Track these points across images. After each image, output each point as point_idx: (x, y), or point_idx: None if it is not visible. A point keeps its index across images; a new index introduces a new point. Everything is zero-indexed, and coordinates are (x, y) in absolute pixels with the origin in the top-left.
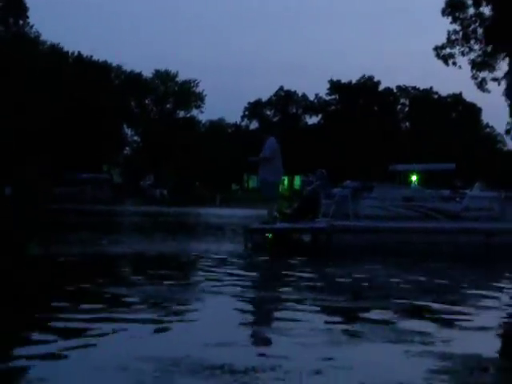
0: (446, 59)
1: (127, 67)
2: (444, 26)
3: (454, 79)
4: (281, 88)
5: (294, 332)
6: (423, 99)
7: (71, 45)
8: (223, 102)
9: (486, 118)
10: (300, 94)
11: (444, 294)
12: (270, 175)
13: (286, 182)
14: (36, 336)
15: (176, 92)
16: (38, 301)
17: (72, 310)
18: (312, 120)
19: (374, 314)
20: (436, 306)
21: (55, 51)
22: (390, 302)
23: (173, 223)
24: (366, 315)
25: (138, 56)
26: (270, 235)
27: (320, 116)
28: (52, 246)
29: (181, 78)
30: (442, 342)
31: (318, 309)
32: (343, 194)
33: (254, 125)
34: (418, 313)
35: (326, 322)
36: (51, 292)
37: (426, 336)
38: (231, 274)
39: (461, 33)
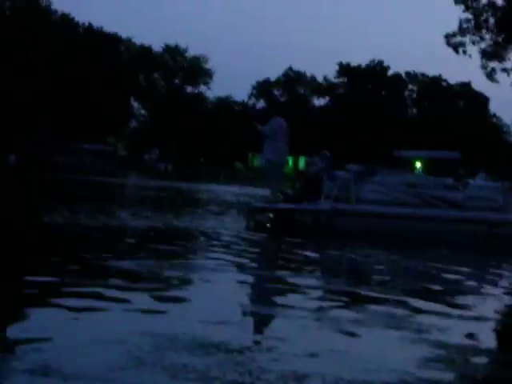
0: (456, 47)
1: (137, 40)
2: (456, 14)
3: (463, 68)
4: (290, 68)
5: (291, 314)
6: (431, 86)
7: (82, 15)
8: (231, 80)
9: (494, 108)
10: (309, 76)
11: (443, 282)
12: (275, 155)
13: (290, 162)
14: (35, 304)
15: (185, 67)
16: (41, 270)
17: (72, 283)
18: (319, 102)
19: (372, 299)
20: (434, 293)
21: (66, 21)
22: (388, 287)
23: (176, 198)
24: (364, 299)
25: (148, 30)
26: (272, 215)
27: (327, 98)
28: (57, 216)
29: (190, 53)
30: (437, 330)
31: (317, 291)
32: (346, 177)
33: (262, 104)
34: (415, 299)
35: (324, 305)
36: (51, 263)
37: (422, 323)
38: (232, 253)
39: (472, 22)
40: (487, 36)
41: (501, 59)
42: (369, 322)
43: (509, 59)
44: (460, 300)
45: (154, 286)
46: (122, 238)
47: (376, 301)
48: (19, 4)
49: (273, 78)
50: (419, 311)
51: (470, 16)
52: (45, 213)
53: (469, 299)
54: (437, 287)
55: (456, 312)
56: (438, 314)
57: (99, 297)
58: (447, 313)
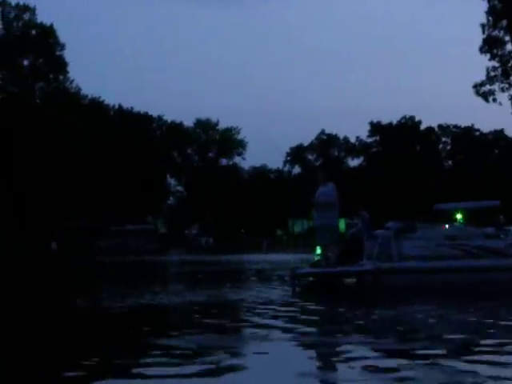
0: (485, 96)
1: (168, 117)
2: (483, 63)
3: (495, 116)
4: (322, 132)
5: (347, 377)
6: (465, 137)
7: (112, 98)
8: (265, 148)
9: None
10: (341, 137)
11: (494, 333)
12: (335, 220)
13: None
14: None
15: (218, 140)
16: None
17: (123, 364)
18: (354, 162)
19: (426, 356)
20: (486, 345)
21: (96, 105)
22: (441, 342)
23: (220, 271)
24: (418, 357)
25: (179, 106)
26: (317, 279)
27: (362, 158)
28: (102, 299)
29: (222, 125)
30: (493, 381)
31: (371, 352)
32: (386, 235)
33: (297, 170)
34: (468, 353)
35: (379, 365)
36: (100, 344)
37: (477, 376)
38: (280, 320)
39: (500, 69)
40: None
41: None
42: (422, 377)
43: None
44: (507, 352)
45: (203, 360)
46: (169, 314)
47: (429, 357)
48: (49, 92)
49: (306, 143)
50: (470, 364)
51: (496, 64)
52: (89, 296)
53: None
54: (484, 339)
55: (508, 363)
56: (491, 365)
57: (149, 377)
58: (498, 364)
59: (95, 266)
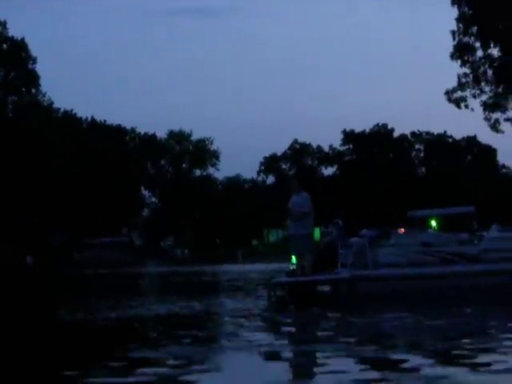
0: (457, 103)
1: (141, 129)
2: (454, 70)
3: (467, 122)
4: (295, 141)
5: None
6: (437, 144)
7: (84, 111)
8: (238, 158)
9: (502, 158)
10: (314, 146)
11: (471, 338)
12: (309, 229)
13: None
14: None
15: (191, 151)
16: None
17: (96, 374)
18: (328, 171)
19: (403, 362)
20: (463, 350)
21: (69, 118)
22: (418, 349)
23: (197, 282)
24: (395, 364)
25: (152, 117)
26: (292, 288)
27: (335, 167)
28: (79, 312)
29: (195, 136)
30: None
31: (347, 359)
32: (360, 243)
33: (271, 179)
34: (445, 359)
35: (355, 372)
36: (77, 358)
37: (454, 382)
38: (255, 330)
39: (471, 75)
40: (487, 88)
41: (503, 109)
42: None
43: (511, 108)
44: (489, 356)
45: (178, 371)
46: (143, 327)
47: (406, 364)
48: (22, 106)
49: (279, 153)
50: (448, 370)
51: (467, 70)
52: (64, 309)
53: (495, 355)
54: (461, 344)
55: (485, 368)
56: (469, 370)
57: None
58: (475, 369)
59: (80, 279)
